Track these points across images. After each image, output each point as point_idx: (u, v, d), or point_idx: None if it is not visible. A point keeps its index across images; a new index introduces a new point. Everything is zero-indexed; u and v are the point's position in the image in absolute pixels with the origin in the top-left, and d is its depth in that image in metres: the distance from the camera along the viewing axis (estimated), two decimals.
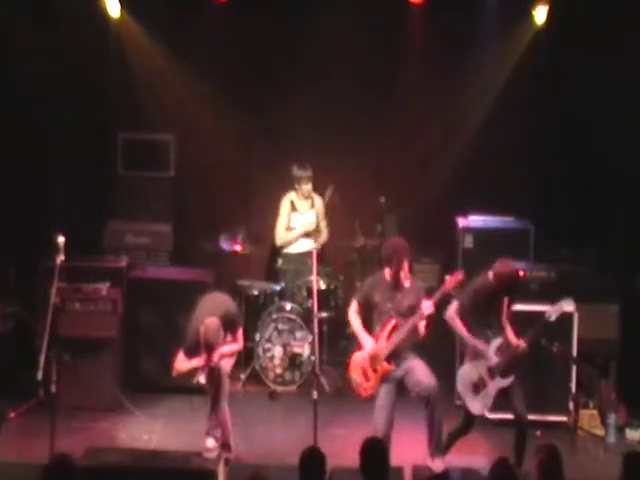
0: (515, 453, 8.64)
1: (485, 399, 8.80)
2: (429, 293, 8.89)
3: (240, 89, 11.59)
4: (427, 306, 8.63)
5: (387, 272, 8.86)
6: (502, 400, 8.86)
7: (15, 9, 11.10)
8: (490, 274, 8.74)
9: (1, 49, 11.04)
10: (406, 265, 8.82)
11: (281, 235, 11.31)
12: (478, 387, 8.74)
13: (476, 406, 8.81)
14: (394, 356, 8.73)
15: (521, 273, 9.06)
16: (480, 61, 11.62)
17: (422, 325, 8.73)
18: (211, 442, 8.88)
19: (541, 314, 8.91)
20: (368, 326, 8.91)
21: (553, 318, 8.83)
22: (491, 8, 11.50)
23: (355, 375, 8.86)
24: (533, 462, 6.91)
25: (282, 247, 11.37)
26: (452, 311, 8.79)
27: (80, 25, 11.27)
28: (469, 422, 8.92)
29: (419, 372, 8.74)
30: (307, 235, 11.15)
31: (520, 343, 8.69)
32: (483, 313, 8.77)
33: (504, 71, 11.64)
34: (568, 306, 8.98)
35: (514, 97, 11.51)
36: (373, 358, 8.73)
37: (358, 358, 8.88)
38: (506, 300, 8.82)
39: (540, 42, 11.48)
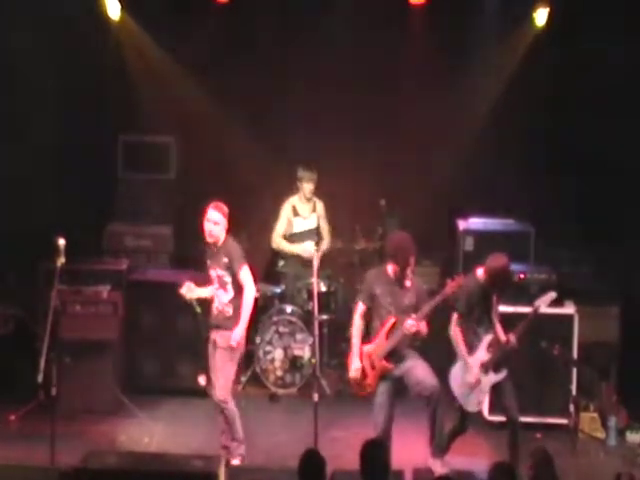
0: (510, 453, 8.65)
1: (479, 396, 8.80)
2: (429, 296, 8.86)
3: (240, 90, 11.58)
4: (410, 325, 8.55)
5: (390, 267, 8.75)
6: (497, 399, 8.88)
7: (15, 9, 11.08)
8: (479, 272, 8.72)
9: (1, 49, 11.02)
10: (412, 262, 8.70)
11: (277, 240, 11.29)
12: (472, 384, 8.74)
13: (471, 403, 8.82)
14: (394, 354, 8.70)
15: (511, 265, 8.97)
16: (480, 62, 11.61)
17: (423, 326, 8.66)
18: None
19: (541, 316, 8.91)
20: (368, 319, 8.82)
21: (542, 309, 8.84)
22: (492, 10, 11.51)
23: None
24: (526, 467, 6.93)
25: (279, 250, 11.38)
26: (454, 326, 8.75)
27: (80, 25, 11.27)
28: (464, 420, 8.91)
29: (420, 371, 8.71)
30: (309, 239, 11.10)
31: (510, 337, 8.68)
32: (475, 311, 8.76)
33: (504, 71, 11.63)
34: (554, 296, 8.96)
35: (514, 97, 11.50)
36: (372, 355, 8.70)
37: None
38: (495, 296, 8.81)
39: (540, 43, 11.48)
